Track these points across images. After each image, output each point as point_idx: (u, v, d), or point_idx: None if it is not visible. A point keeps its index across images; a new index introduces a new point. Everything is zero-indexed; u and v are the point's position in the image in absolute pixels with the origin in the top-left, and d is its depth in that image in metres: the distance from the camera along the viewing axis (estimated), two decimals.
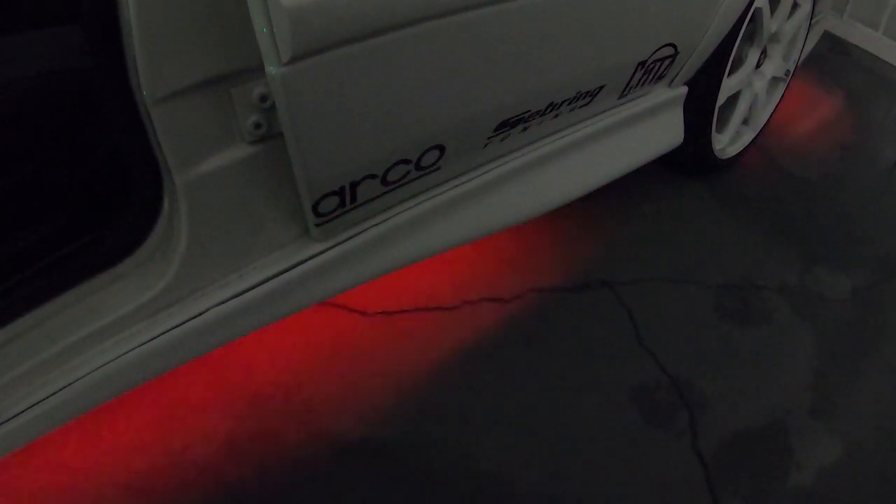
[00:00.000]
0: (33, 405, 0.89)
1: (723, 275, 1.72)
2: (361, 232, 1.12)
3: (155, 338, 0.96)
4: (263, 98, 0.89)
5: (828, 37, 3.17)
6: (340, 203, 1.02)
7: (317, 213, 1.01)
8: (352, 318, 1.47)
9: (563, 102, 1.24)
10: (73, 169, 0.90)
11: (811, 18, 2.06)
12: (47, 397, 0.90)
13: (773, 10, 1.81)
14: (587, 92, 1.28)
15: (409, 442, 1.26)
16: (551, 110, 1.24)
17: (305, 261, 1.08)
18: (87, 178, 0.91)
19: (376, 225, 1.14)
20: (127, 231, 0.93)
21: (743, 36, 1.72)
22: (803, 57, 2.18)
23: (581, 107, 1.32)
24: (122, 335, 0.94)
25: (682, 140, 1.72)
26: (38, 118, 0.86)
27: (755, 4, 1.66)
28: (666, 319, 1.57)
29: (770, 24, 1.82)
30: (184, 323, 0.98)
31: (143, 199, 0.91)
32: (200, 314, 0.99)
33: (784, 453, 1.35)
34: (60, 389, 0.90)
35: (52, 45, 0.85)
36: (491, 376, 1.39)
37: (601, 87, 1.31)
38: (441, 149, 1.09)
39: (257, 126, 0.91)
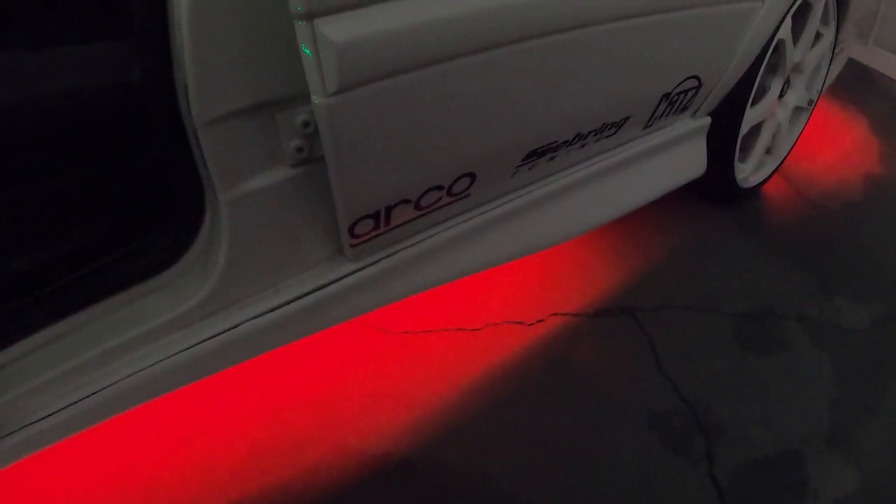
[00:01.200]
0: (68, 406, 0.92)
1: (743, 303, 1.73)
2: (394, 253, 1.16)
3: (190, 347, 0.99)
4: (306, 124, 0.94)
5: (852, 64, 3.16)
6: (375, 226, 1.06)
7: (352, 235, 1.04)
8: (378, 336, 1.50)
9: (589, 133, 1.27)
10: (120, 180, 0.94)
11: (834, 48, 2.08)
12: (82, 399, 0.93)
13: (795, 40, 1.83)
14: (613, 123, 1.32)
15: (430, 459, 1.29)
16: (578, 141, 1.27)
17: (339, 279, 1.11)
18: (133, 189, 0.96)
19: (408, 247, 1.18)
20: (169, 243, 0.97)
21: (766, 66, 1.74)
22: (826, 86, 2.20)
23: (607, 137, 1.35)
24: (158, 343, 0.98)
25: (704, 170, 1.75)
26: (87, 129, 0.90)
27: (778, 35, 1.69)
28: (686, 346, 1.59)
29: (793, 55, 1.84)
30: (219, 334, 1.01)
31: (185, 213, 0.95)
32: (235, 326, 1.02)
33: (800, 482, 1.36)
34: (95, 392, 0.93)
35: (105, 60, 0.89)
36: (512, 398, 1.41)
37: (626, 119, 1.34)
38: (472, 176, 1.12)
39: (299, 150, 0.96)
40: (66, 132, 0.92)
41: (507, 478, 1.28)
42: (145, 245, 0.96)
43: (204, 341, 1.00)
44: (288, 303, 1.07)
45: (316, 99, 0.84)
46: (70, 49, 0.93)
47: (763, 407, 1.49)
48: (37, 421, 0.92)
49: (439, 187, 1.09)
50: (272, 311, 1.06)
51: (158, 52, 0.82)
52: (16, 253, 0.90)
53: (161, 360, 0.97)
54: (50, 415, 0.92)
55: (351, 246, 1.07)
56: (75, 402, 0.93)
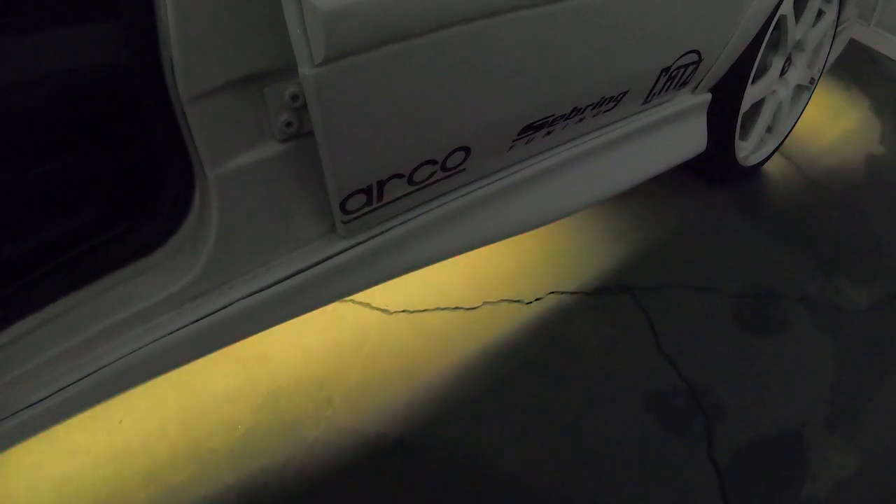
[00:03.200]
0: (61, 389, 0.91)
1: (743, 283, 1.72)
2: (387, 230, 1.14)
3: (182, 328, 0.97)
4: (295, 97, 0.91)
5: (854, 45, 3.14)
6: (368, 201, 1.04)
7: (344, 211, 1.02)
8: (374, 316, 1.49)
9: (587, 107, 1.25)
10: (108, 160, 0.92)
11: (836, 26, 2.05)
12: (74, 382, 0.91)
13: (797, 17, 1.80)
14: (611, 97, 1.29)
15: (426, 439, 1.27)
16: (575, 115, 1.24)
17: (331, 257, 1.09)
18: (122, 169, 0.93)
19: (401, 224, 1.15)
20: (159, 223, 0.95)
21: (767, 43, 1.71)
22: (828, 65, 2.17)
23: (605, 112, 1.33)
24: (150, 324, 0.96)
25: (705, 147, 1.73)
26: (74, 111, 0.88)
27: (780, 11, 1.66)
28: (685, 326, 1.57)
29: (795, 32, 1.82)
30: (211, 314, 0.99)
31: (175, 192, 0.93)
32: (227, 306, 1.01)
33: (799, 464, 1.35)
34: (88, 375, 0.92)
35: (92, 41, 0.87)
36: (509, 377, 1.40)
37: (625, 93, 1.32)
38: (467, 150, 1.10)
39: (288, 124, 0.93)
40: (52, 115, 0.90)
41: (504, 457, 1.26)
42: (135, 226, 0.94)
43: (196, 321, 0.98)
44: (280, 281, 1.05)
45: (303, 70, 0.82)
46: (53, 31, 0.92)
47: (763, 387, 1.47)
48: (31, 405, 0.90)
49: (433, 161, 1.06)
50: (264, 289, 1.04)
51: (143, 29, 0.79)
52: (4, 237, 0.88)
53: (154, 342, 0.96)
54: (44, 398, 0.90)
55: (343, 222, 1.05)
56: (69, 385, 0.91)
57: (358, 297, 1.50)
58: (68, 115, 0.89)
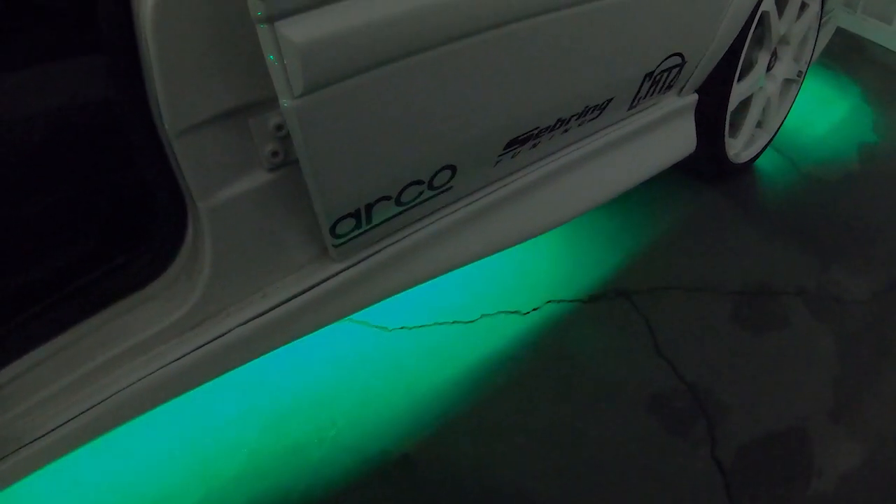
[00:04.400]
0: (65, 423, 0.92)
1: (740, 281, 1.72)
2: (379, 251, 1.15)
3: (182, 356, 0.98)
4: (279, 127, 0.92)
5: (841, 33, 3.14)
6: (357, 224, 1.05)
7: (335, 235, 1.03)
8: (373, 334, 1.50)
9: (571, 118, 1.26)
10: (101, 195, 0.94)
11: (821, 18, 2.05)
12: (79, 414, 0.93)
13: (780, 12, 1.81)
14: (595, 106, 1.30)
15: (429, 453, 1.28)
16: (560, 126, 1.25)
17: (325, 280, 1.10)
18: (115, 204, 0.95)
19: (394, 244, 1.16)
20: (154, 254, 0.96)
21: (751, 40, 1.72)
22: (815, 57, 2.18)
23: (590, 120, 1.34)
24: (150, 354, 0.97)
25: (694, 148, 1.73)
26: (64, 148, 0.89)
27: (762, 7, 1.66)
28: (683, 327, 1.58)
29: (778, 27, 1.82)
30: (210, 342, 1.00)
31: (168, 224, 0.95)
32: (225, 333, 1.02)
33: (804, 460, 1.35)
34: (91, 407, 0.93)
35: (78, 79, 0.89)
36: (510, 388, 1.41)
37: (609, 101, 1.33)
38: (452, 169, 1.11)
39: (275, 154, 0.95)
40: (43, 153, 0.92)
41: (508, 469, 1.27)
42: (131, 258, 0.95)
43: (196, 349, 1.00)
44: (276, 307, 1.06)
45: (284, 102, 0.83)
46: (40, 69, 0.93)
47: (764, 385, 1.48)
48: (35, 440, 0.91)
49: (419, 182, 1.07)
50: (261, 315, 1.05)
51: (128, 65, 0.81)
52: (2, 275, 0.89)
53: (155, 371, 0.97)
54: (48, 432, 0.91)
55: (335, 246, 1.06)
56: (72, 419, 0.92)
57: (356, 315, 1.51)
58: (59, 152, 0.90)
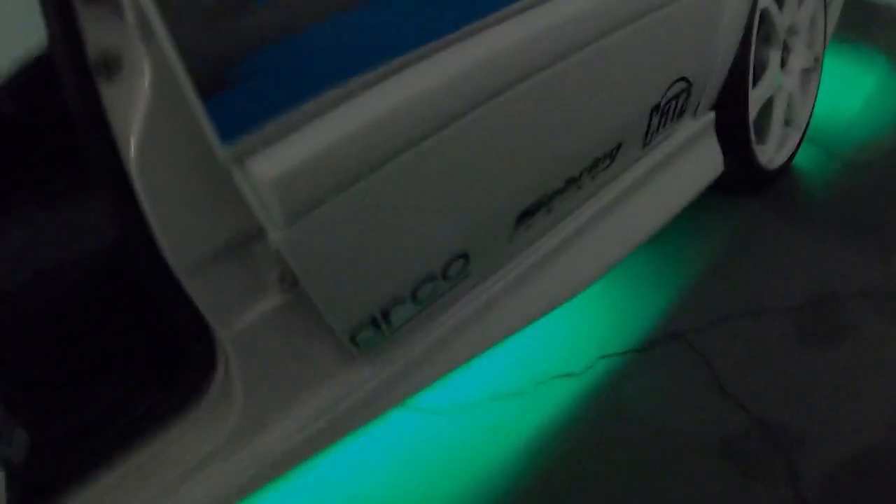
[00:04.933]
0: None
1: (799, 294, 1.61)
2: (409, 347, 1.12)
3: (228, 477, 0.98)
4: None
5: (851, 4, 3.02)
6: (376, 331, 1.03)
7: (356, 344, 1.02)
8: (426, 419, 1.44)
9: (581, 174, 1.21)
10: (130, 338, 0.99)
11: None
12: None
13: (780, 4, 1.73)
14: (605, 154, 1.25)
15: None
16: (572, 185, 1.20)
17: (358, 387, 1.08)
18: (146, 344, 1.01)
19: (422, 338, 1.13)
20: (191, 386, 0.98)
21: (758, 40, 1.65)
22: (829, 38, 2.08)
23: (603, 170, 1.28)
24: (195, 481, 0.97)
25: (722, 168, 1.65)
26: (89, 299, 0.96)
27: (760, 5, 1.60)
28: (746, 359, 1.48)
29: (783, 19, 1.75)
30: (250, 464, 1.00)
31: (198, 356, 0.97)
32: (265, 453, 1.01)
33: None
34: None
35: (87, 228, 0.96)
36: (573, 454, 1.33)
37: (619, 146, 1.27)
38: (465, 256, 1.07)
39: (282, 278, 0.94)
40: (68, 306, 0.99)
41: None
42: (171, 392, 0.98)
43: (242, 471, 1.00)
44: (314, 419, 1.05)
45: (271, 235, 0.83)
46: (48, 222, 0.97)
47: (842, 404, 1.37)
48: None
49: (432, 277, 1.04)
50: (300, 430, 1.04)
51: (128, 212, 0.82)
52: (50, 418, 0.95)
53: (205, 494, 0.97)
54: None
55: (360, 354, 1.04)
56: None
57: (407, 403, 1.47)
58: (84, 303, 0.97)
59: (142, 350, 1.02)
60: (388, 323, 1.03)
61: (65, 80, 0.77)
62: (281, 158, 0.78)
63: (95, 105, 0.77)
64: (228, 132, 0.75)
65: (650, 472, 1.29)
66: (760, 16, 1.63)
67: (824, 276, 1.66)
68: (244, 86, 0.75)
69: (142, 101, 0.77)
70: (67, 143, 0.87)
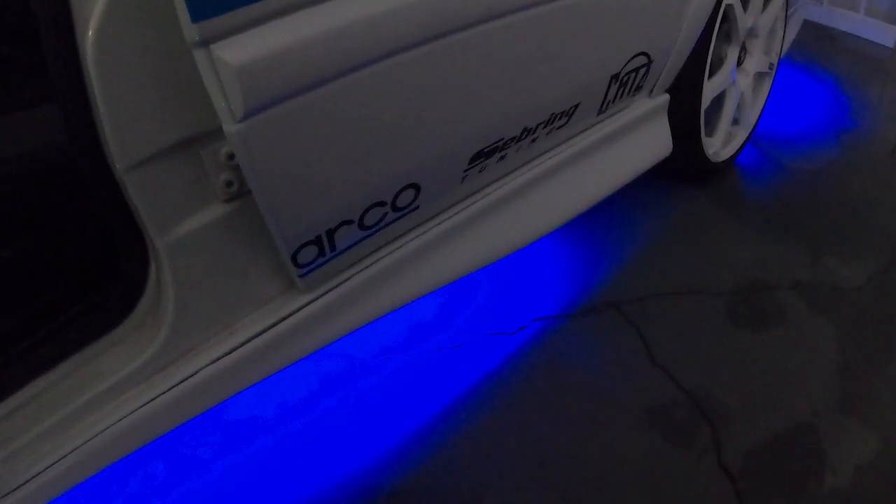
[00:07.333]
0: (38, 474, 0.89)
1: (732, 280, 1.67)
2: (348, 279, 1.10)
3: (152, 400, 0.95)
4: (231, 156, 0.89)
5: (810, 26, 3.15)
6: (320, 252, 1.01)
7: (297, 265, 0.99)
8: (351, 365, 1.44)
9: (537, 126, 1.22)
10: (61, 241, 0.92)
11: (787, 9, 2.04)
12: (51, 465, 0.89)
13: (745, 5, 1.79)
14: (562, 112, 1.27)
15: (419, 487, 1.22)
16: (527, 135, 1.22)
17: (294, 312, 1.06)
18: (76, 249, 0.93)
19: (362, 270, 1.12)
20: (118, 297, 0.94)
21: (718, 35, 1.70)
22: (785, 48, 2.16)
23: (559, 128, 1.30)
24: (120, 400, 0.94)
25: (670, 149, 1.70)
26: (22, 196, 0.88)
27: (726, 1, 1.65)
28: (677, 334, 1.52)
29: (745, 20, 1.81)
30: (179, 383, 0.97)
31: (130, 266, 0.92)
32: (195, 373, 0.98)
33: (816, 457, 1.29)
34: (63, 457, 0.90)
35: (31, 126, 0.88)
36: (501, 412, 1.35)
37: (576, 106, 1.30)
38: (416, 187, 1.07)
39: (229, 184, 0.92)
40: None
41: (506, 494, 1.21)
42: (96, 303, 0.93)
43: (166, 392, 0.96)
44: (245, 343, 1.02)
45: (227, 128, 0.80)
46: None
47: (767, 384, 1.42)
48: (11, 491, 0.88)
49: (381, 203, 1.03)
50: (230, 353, 1.01)
51: (77, 106, 0.79)
52: None
53: (125, 417, 0.94)
54: (22, 484, 0.88)
55: (300, 276, 1.02)
56: (45, 469, 0.89)
57: (331, 347, 1.46)
58: (16, 201, 0.89)
59: (69, 257, 0.95)
60: (332, 245, 1.01)
61: None
62: (251, 46, 0.75)
63: None
64: (200, 12, 0.72)
65: (577, 435, 1.31)
66: (724, 12, 1.68)
67: (757, 266, 1.72)
68: None
69: None
70: (18, 24, 0.82)
